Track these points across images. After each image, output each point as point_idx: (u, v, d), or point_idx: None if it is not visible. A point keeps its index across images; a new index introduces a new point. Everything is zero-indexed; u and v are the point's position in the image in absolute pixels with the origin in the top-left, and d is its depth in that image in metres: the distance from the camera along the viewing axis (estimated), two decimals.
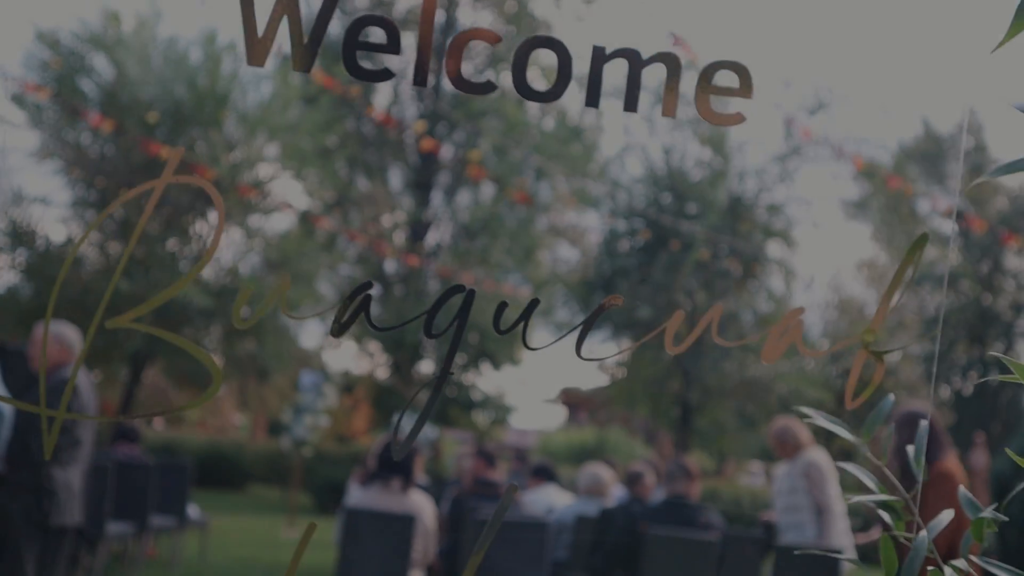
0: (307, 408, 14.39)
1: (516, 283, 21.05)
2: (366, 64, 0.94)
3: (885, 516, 0.95)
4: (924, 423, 1.02)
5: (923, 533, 0.85)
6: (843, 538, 6.17)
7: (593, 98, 0.95)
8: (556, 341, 0.76)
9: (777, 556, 5.87)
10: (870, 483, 0.99)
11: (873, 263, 23.57)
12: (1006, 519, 0.89)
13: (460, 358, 19.54)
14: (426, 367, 20.19)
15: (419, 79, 0.90)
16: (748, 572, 5.86)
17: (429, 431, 16.26)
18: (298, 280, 15.93)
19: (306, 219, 16.14)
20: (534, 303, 0.80)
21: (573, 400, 31.90)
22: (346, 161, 20.32)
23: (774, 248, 19.06)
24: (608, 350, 20.60)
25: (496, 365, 20.05)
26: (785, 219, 18.82)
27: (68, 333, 5.23)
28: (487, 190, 21.44)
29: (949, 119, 26.46)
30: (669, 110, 0.91)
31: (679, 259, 16.82)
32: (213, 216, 15.33)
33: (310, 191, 18.67)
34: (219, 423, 26.63)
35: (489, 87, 0.92)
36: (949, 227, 23.84)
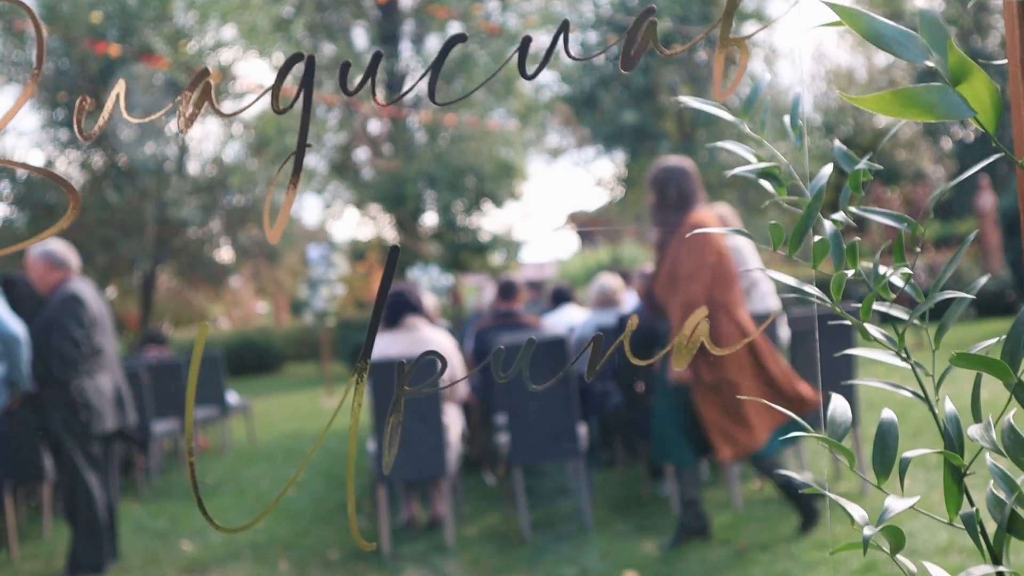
0: (321, 280, 14.53)
1: (501, 118, 20.78)
2: None
3: (767, 185, 0.97)
4: (798, 90, 1.01)
5: (815, 183, 0.86)
6: (770, 299, 6.33)
7: None
8: (410, 87, 0.76)
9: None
10: (750, 156, 1.00)
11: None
12: (880, 167, 0.90)
13: (460, 203, 19.53)
14: (429, 219, 20.22)
15: None
16: (769, 337, 6.00)
17: (444, 278, 16.42)
18: (285, 157, 15.79)
19: (278, 95, 15.85)
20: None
21: (581, 223, 31.98)
22: (307, 29, 19.78)
23: (751, 29, 18.59)
24: (602, 166, 20.47)
25: (498, 203, 20.03)
26: None
27: (60, 250, 5.27)
28: (454, 30, 20.88)
29: None
30: None
31: (655, 59, 16.49)
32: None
33: (276, 67, 18.25)
34: (242, 314, 27.01)
35: None
36: None
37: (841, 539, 3.16)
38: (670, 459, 4.82)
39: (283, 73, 0.69)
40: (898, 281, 0.81)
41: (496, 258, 21.61)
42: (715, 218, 4.70)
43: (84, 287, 5.24)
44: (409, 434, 5.08)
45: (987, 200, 15.88)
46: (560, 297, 8.70)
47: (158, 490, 7.73)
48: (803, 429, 3.40)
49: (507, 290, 7.10)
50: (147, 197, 13.80)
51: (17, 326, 4.83)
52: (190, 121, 0.68)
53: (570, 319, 7.60)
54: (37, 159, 14.91)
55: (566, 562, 4.60)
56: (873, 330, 0.79)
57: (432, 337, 5.51)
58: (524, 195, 21.15)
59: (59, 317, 5.05)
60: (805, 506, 4.66)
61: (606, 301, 7.00)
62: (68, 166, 14.51)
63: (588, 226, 31.51)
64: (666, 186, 4.67)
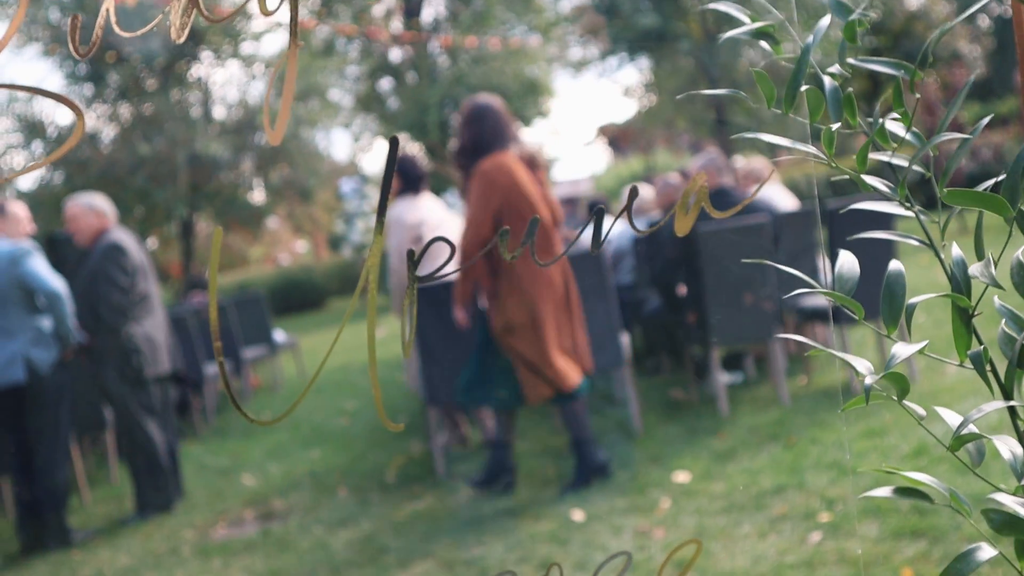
0: (356, 213, 14.62)
1: (522, 35, 20.47)
2: None
3: (765, 44, 0.94)
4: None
5: (810, 37, 0.84)
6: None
7: None
8: None
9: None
10: (743, 16, 0.97)
11: None
12: (875, 16, 0.88)
13: None
14: None
15: None
16: (804, 244, 5.96)
17: None
18: (310, 94, 15.75)
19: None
20: None
21: (611, 135, 31.66)
22: None
23: None
24: (627, 75, 20.13)
25: (526, 122, 19.85)
26: None
27: (98, 202, 5.35)
28: None
29: None
30: None
31: None
32: (206, 56, 15.06)
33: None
34: (282, 254, 27.25)
35: None
36: None
37: (890, 427, 3.14)
38: (486, 401, 4.69)
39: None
40: (897, 130, 0.79)
41: None
42: (513, 160, 4.33)
43: (124, 236, 5.32)
44: (454, 356, 5.14)
45: None
46: (594, 209, 8.69)
47: (216, 429, 7.92)
48: (574, 394, 3.28)
49: None
50: (177, 145, 13.87)
51: (57, 282, 4.92)
52: (182, 29, 0.68)
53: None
54: (66, 116, 15.01)
55: (617, 468, 4.66)
56: (873, 180, 0.78)
57: (441, 211, 5.66)
58: (552, 112, 20.95)
59: (104, 266, 5.14)
60: (588, 460, 4.48)
61: (639, 210, 6.96)
62: (97, 120, 14.59)
63: (619, 137, 31.22)
64: (464, 128, 4.46)
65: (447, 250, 0.67)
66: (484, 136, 4.36)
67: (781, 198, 6.44)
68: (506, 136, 4.39)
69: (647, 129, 24.46)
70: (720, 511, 3.84)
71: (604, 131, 32.10)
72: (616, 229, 7.62)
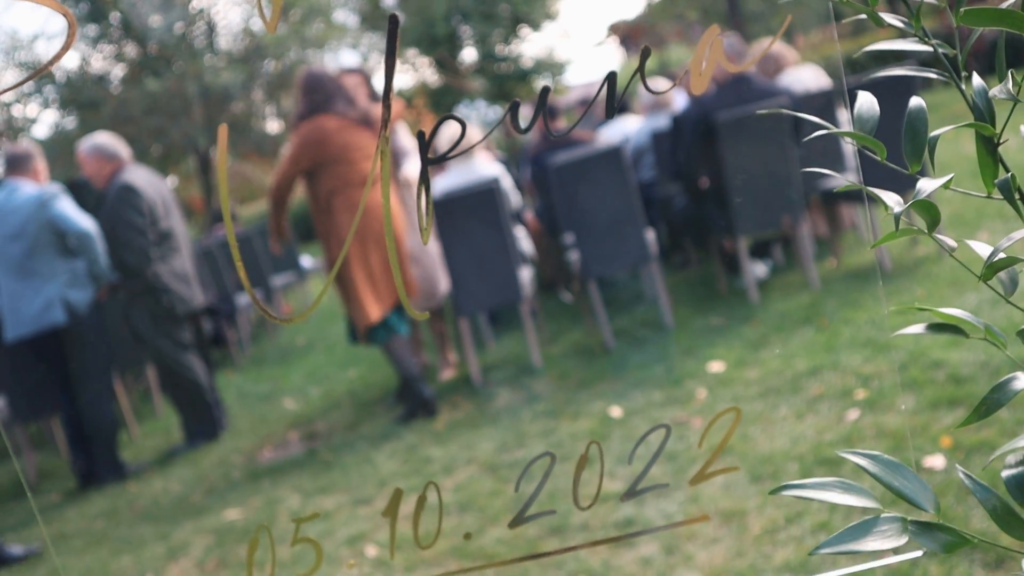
0: None
1: None
2: None
3: None
4: None
5: None
6: (797, 85, 6.21)
7: None
8: None
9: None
10: None
11: None
12: None
13: (497, 32, 19.05)
14: (469, 55, 19.82)
15: None
16: (826, 120, 5.85)
17: (491, 112, 16.24)
18: (314, 16, 15.52)
19: None
20: None
21: (623, 33, 31.00)
22: None
23: None
24: None
25: (535, 26, 19.49)
26: None
27: (107, 143, 5.32)
28: None
29: None
30: None
31: None
32: None
33: None
34: None
35: None
36: None
37: (924, 301, 3.13)
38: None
39: None
40: None
41: (541, 83, 21.19)
42: (333, 123, 4.64)
43: (138, 175, 5.28)
44: (480, 264, 5.16)
45: None
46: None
47: (253, 358, 8.04)
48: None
49: (551, 111, 7.05)
50: (186, 77, 13.77)
51: (87, 222, 4.95)
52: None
53: (625, 129, 7.49)
54: (72, 59, 14.89)
55: (652, 363, 4.69)
56: (889, 18, 0.75)
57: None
58: (560, 14, 20.53)
59: (118, 209, 5.14)
60: (415, 395, 4.85)
61: (657, 105, 6.86)
62: (104, 61, 14.48)
63: (630, 34, 30.58)
64: (295, 99, 4.89)
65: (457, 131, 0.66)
66: (308, 106, 4.71)
67: (808, 79, 6.28)
68: (329, 103, 4.73)
69: (658, 24, 23.94)
70: (756, 396, 3.87)
71: (615, 29, 31.42)
72: (635, 126, 7.52)
